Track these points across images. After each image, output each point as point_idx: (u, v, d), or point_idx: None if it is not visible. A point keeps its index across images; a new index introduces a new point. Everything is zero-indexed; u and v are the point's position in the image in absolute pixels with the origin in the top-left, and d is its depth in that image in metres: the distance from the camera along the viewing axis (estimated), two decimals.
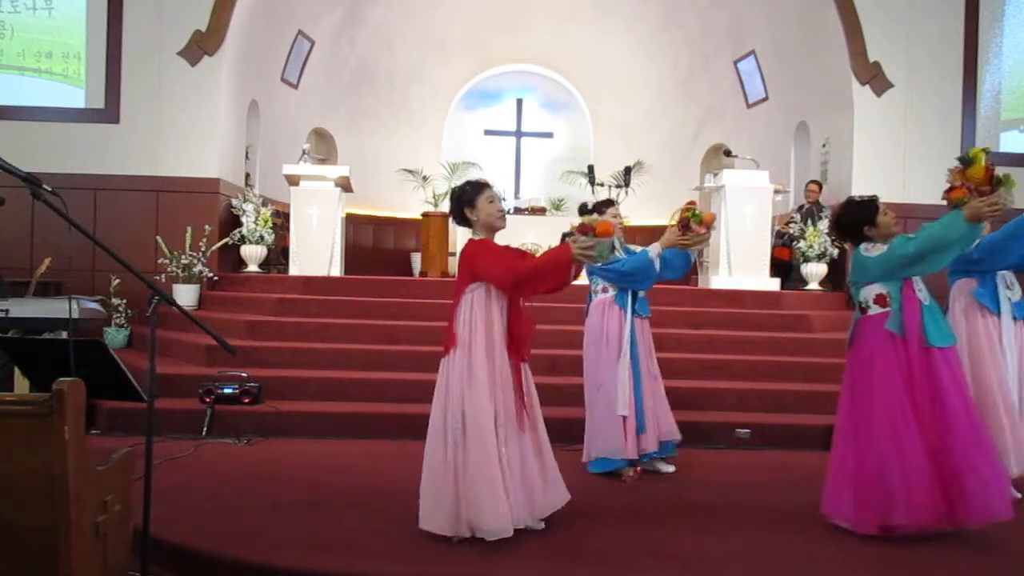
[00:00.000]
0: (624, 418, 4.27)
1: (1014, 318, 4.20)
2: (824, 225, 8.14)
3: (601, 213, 4.43)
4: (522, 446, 3.37)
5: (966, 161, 3.49)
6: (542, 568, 3.11)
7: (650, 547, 3.35)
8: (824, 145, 9.08)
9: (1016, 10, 8.46)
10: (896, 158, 8.24)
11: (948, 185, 3.54)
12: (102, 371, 2.81)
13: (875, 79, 8.19)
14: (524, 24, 11.34)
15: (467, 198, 3.43)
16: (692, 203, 4.31)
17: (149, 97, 7.79)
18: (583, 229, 3.26)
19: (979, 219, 3.38)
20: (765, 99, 10.26)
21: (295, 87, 10.07)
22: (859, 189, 8.23)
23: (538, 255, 3.42)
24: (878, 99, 8.21)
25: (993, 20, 8.39)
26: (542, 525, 3.40)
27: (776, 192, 8.14)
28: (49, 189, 2.49)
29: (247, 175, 9.02)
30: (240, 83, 8.48)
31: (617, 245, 3.40)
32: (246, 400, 5.41)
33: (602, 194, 6.63)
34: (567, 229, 3.46)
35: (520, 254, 3.45)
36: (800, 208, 8.88)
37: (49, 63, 7.92)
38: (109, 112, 7.82)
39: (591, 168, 9.66)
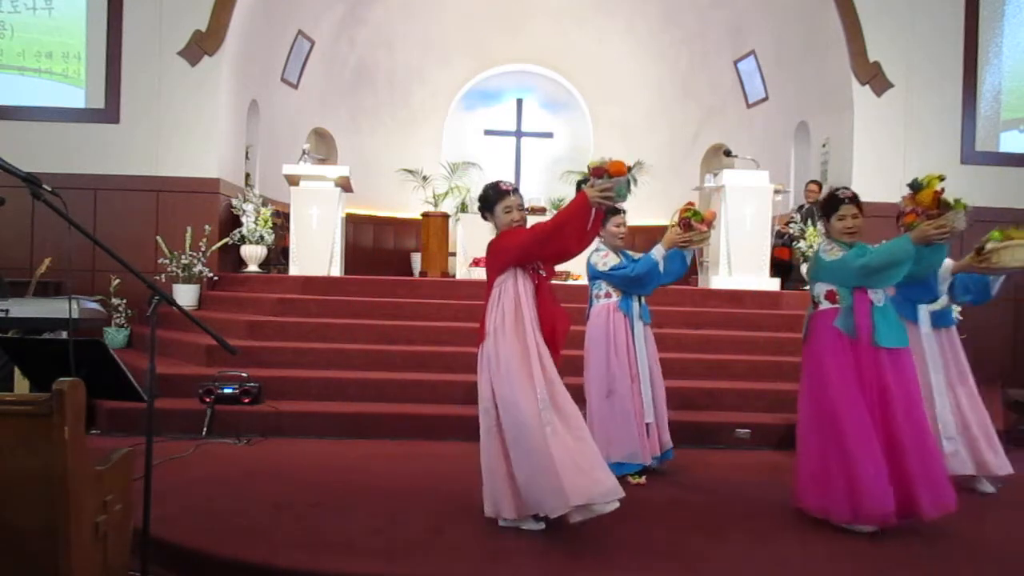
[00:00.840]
0: (639, 424, 4.27)
1: (936, 326, 4.33)
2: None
3: (604, 221, 4.35)
4: (567, 430, 3.32)
5: (915, 186, 3.60)
6: (542, 568, 3.11)
7: (650, 547, 3.35)
8: (824, 145, 9.08)
9: (1016, 10, 8.46)
10: (896, 158, 8.24)
11: (900, 211, 3.63)
12: (102, 371, 2.80)
13: (875, 79, 8.19)
14: (524, 24, 11.34)
15: (488, 204, 3.54)
16: (691, 203, 4.35)
17: (149, 97, 7.79)
18: (597, 172, 3.25)
19: (927, 241, 3.45)
20: (765, 99, 10.26)
21: (295, 87, 10.07)
22: (859, 189, 8.13)
23: None
24: (878, 99, 8.21)
25: (993, 20, 8.39)
26: (542, 525, 3.40)
27: (776, 192, 8.14)
28: (49, 189, 2.49)
29: (247, 175, 9.02)
30: (240, 83, 8.48)
31: (632, 184, 3.37)
32: (246, 400, 5.41)
33: None
34: (580, 178, 3.45)
35: (522, 229, 3.48)
36: (800, 208, 8.88)
37: (49, 63, 7.92)
38: (109, 112, 7.82)
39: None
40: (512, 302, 3.40)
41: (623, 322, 4.36)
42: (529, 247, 3.36)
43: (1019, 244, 3.78)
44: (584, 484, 3.19)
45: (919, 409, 3.61)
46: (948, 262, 4.11)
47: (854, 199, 3.74)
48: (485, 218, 3.60)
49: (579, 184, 3.43)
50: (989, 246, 3.81)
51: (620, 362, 4.31)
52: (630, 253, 4.53)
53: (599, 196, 3.19)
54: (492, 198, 3.51)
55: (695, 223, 4.20)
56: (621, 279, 4.35)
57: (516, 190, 3.56)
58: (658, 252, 4.27)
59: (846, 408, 3.54)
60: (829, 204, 3.77)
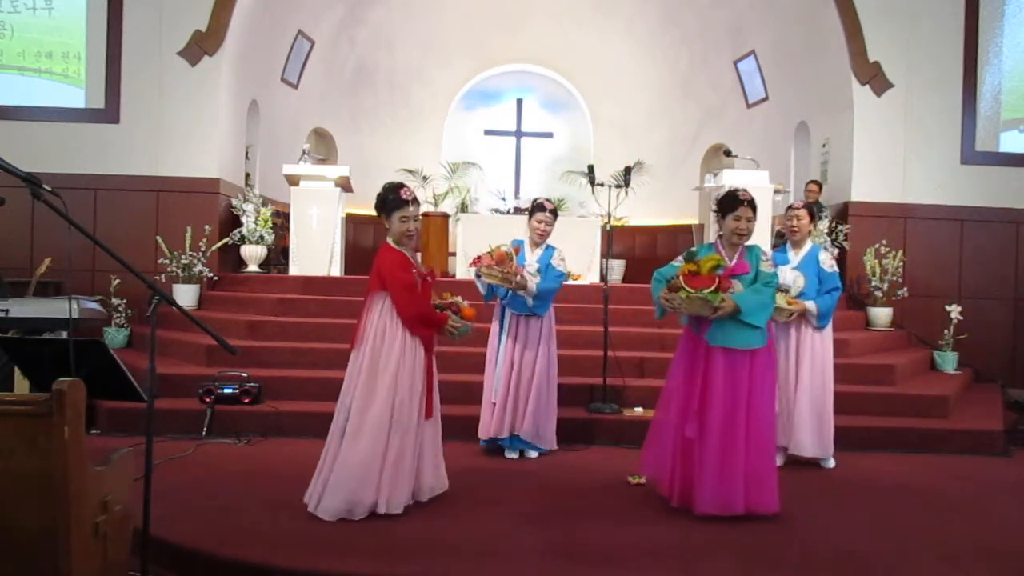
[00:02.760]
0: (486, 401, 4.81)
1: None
2: (824, 225, 8.15)
3: (531, 215, 4.88)
4: (422, 435, 3.68)
5: (689, 257, 3.78)
6: (542, 568, 3.11)
7: (650, 547, 3.35)
8: (824, 145, 9.08)
9: (1016, 10, 8.46)
10: (896, 158, 8.24)
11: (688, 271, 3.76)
12: (102, 371, 2.80)
13: (875, 79, 8.19)
14: (524, 24, 11.34)
15: (387, 207, 3.72)
16: (495, 246, 4.68)
17: (149, 97, 7.79)
18: (451, 306, 3.79)
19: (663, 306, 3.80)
20: (765, 99, 10.26)
21: (295, 87, 10.07)
22: (859, 189, 8.26)
23: (437, 305, 3.78)
24: (878, 99, 8.20)
25: (993, 20, 8.39)
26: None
27: (776, 192, 8.14)
28: (49, 189, 2.49)
29: (247, 175, 9.02)
30: (240, 83, 8.48)
31: (467, 329, 3.83)
32: (246, 400, 5.40)
33: (601, 195, 6.61)
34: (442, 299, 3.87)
35: (414, 285, 3.65)
36: None
37: (49, 63, 7.92)
38: (109, 112, 7.81)
39: (591, 168, 9.68)
40: (392, 315, 3.60)
41: (497, 309, 4.85)
42: (401, 314, 3.59)
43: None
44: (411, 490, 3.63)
45: (745, 410, 3.71)
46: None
47: (752, 203, 3.82)
48: (380, 216, 3.77)
49: (438, 307, 3.80)
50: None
51: (490, 345, 4.85)
52: (553, 247, 4.88)
53: (448, 329, 3.71)
54: (391, 204, 3.70)
55: (484, 256, 4.62)
56: None
57: (416, 200, 3.73)
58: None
59: (667, 395, 3.94)
60: (727, 202, 3.85)
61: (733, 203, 3.81)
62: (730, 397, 3.69)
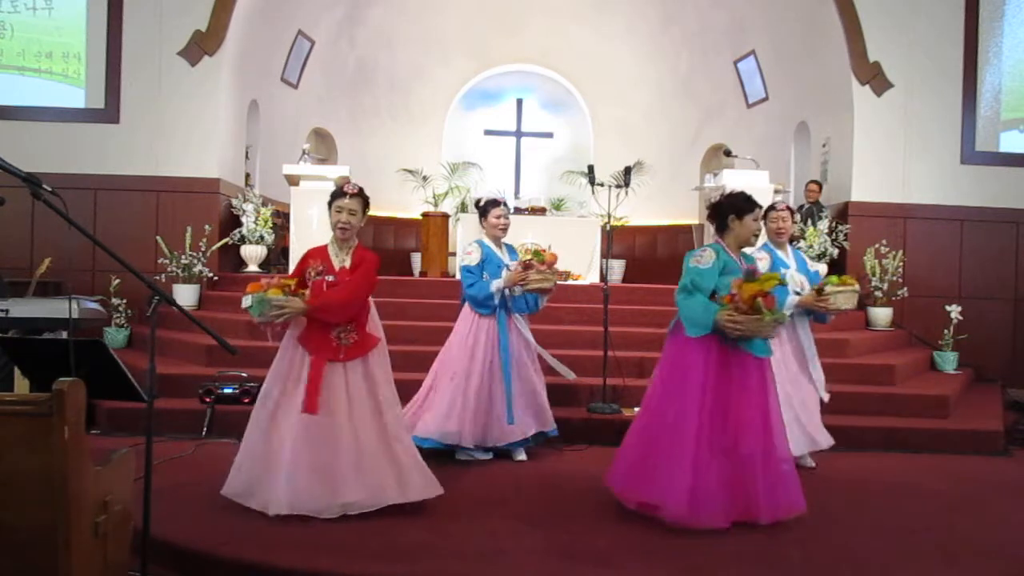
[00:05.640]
0: (467, 409, 4.51)
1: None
2: (824, 225, 8.15)
3: (485, 213, 4.74)
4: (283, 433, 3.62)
5: (748, 276, 3.60)
6: (541, 568, 3.11)
7: (650, 547, 3.35)
8: (824, 145, 9.08)
9: (1016, 10, 8.46)
10: (896, 158, 8.24)
11: (731, 289, 3.56)
12: (102, 371, 2.81)
13: (875, 79, 8.19)
14: (524, 24, 11.34)
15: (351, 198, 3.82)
16: (540, 248, 4.64)
17: (149, 97, 7.79)
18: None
19: (722, 329, 3.49)
20: (765, 99, 10.27)
21: (295, 87, 10.07)
22: (859, 189, 8.26)
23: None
24: (878, 99, 8.21)
25: (993, 20, 8.39)
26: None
27: (776, 192, 8.14)
28: (49, 189, 2.49)
29: (247, 175, 9.02)
30: (240, 83, 8.48)
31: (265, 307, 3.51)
32: (246, 400, 5.39)
33: (601, 195, 6.62)
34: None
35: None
36: (800, 208, 8.88)
37: (49, 63, 7.92)
38: (109, 112, 7.82)
39: (591, 168, 9.70)
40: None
41: (481, 317, 4.62)
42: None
43: (850, 290, 4.34)
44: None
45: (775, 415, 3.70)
46: (792, 298, 4.43)
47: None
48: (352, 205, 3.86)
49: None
50: (828, 289, 4.32)
51: (475, 352, 4.56)
52: (515, 248, 4.83)
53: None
54: (331, 196, 3.88)
55: (535, 263, 4.45)
56: (463, 287, 4.65)
57: (357, 194, 3.89)
58: (495, 285, 4.53)
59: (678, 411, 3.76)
60: (749, 204, 3.73)
61: (751, 205, 3.73)
62: (765, 403, 3.64)
